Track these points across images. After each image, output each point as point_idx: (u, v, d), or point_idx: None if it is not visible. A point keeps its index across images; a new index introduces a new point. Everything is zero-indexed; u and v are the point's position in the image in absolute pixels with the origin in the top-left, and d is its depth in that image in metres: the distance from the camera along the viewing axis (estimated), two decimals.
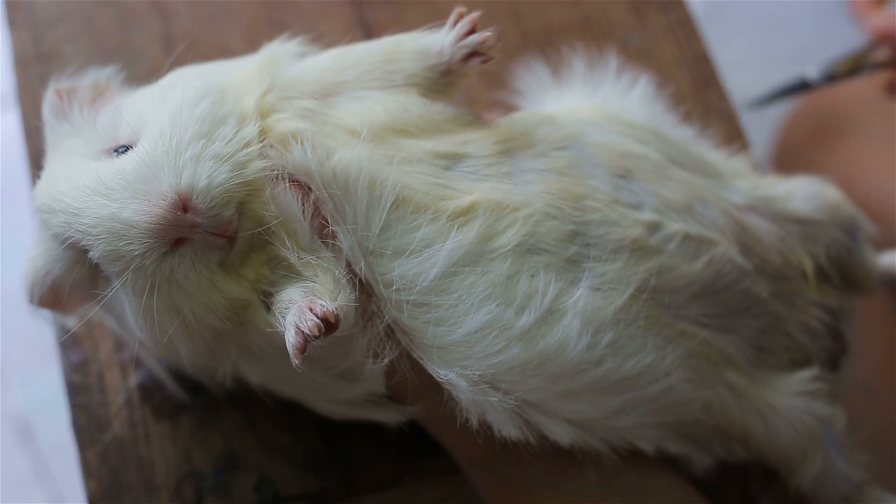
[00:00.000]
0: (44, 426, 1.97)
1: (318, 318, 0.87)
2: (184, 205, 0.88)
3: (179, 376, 1.12)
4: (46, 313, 1.04)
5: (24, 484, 1.94)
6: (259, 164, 0.93)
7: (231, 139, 0.92)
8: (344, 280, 0.92)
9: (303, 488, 1.12)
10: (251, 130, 0.94)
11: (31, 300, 1.00)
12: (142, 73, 1.02)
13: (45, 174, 0.98)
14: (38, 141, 1.05)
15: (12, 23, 1.31)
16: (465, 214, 0.93)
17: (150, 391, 1.14)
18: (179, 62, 1.04)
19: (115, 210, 0.89)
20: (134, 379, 1.15)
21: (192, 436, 1.13)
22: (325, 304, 0.88)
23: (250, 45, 1.05)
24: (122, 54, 1.29)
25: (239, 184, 0.91)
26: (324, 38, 1.06)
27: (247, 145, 0.93)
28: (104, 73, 1.06)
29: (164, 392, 1.13)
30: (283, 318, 0.89)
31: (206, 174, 0.89)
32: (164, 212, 0.87)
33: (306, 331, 0.86)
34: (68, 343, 1.17)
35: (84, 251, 0.92)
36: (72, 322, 1.12)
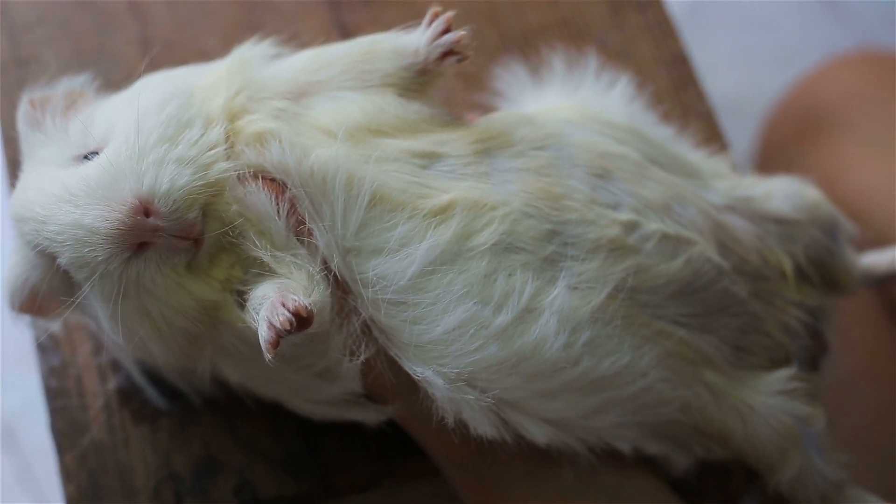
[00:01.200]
0: (27, 430, 1.97)
1: (289, 312, 0.87)
2: (145, 209, 0.89)
3: (157, 381, 1.12)
4: (29, 319, 1.05)
5: (7, 488, 1.94)
6: (223, 165, 0.93)
7: (196, 142, 0.93)
8: (318, 277, 0.93)
9: (282, 491, 1.11)
10: (217, 133, 0.94)
11: (13, 307, 1.00)
12: (120, 76, 1.02)
13: (20, 184, 0.99)
14: (16, 147, 1.05)
15: None
16: (442, 213, 0.93)
17: (128, 395, 1.14)
18: (156, 64, 1.04)
19: (78, 217, 0.89)
20: (113, 382, 1.15)
21: (171, 439, 1.13)
22: (297, 298, 0.88)
23: (228, 47, 1.05)
24: (99, 58, 1.29)
25: (202, 186, 0.91)
26: (300, 40, 1.06)
27: (212, 147, 0.93)
28: (78, 82, 1.06)
29: (143, 395, 1.13)
30: (257, 314, 0.89)
31: (167, 178, 0.90)
32: (125, 217, 0.88)
33: (278, 325, 0.86)
34: (47, 347, 1.16)
35: (58, 265, 0.92)
36: (54, 326, 1.12)
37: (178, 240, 0.91)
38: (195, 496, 1.11)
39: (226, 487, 1.11)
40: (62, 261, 0.91)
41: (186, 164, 0.91)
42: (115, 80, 1.06)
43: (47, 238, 0.91)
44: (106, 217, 0.88)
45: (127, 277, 0.90)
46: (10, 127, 1.06)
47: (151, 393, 1.13)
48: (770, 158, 1.60)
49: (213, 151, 0.93)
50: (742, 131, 1.55)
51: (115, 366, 1.14)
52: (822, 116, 1.56)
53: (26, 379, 1.86)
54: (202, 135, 0.94)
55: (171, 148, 0.92)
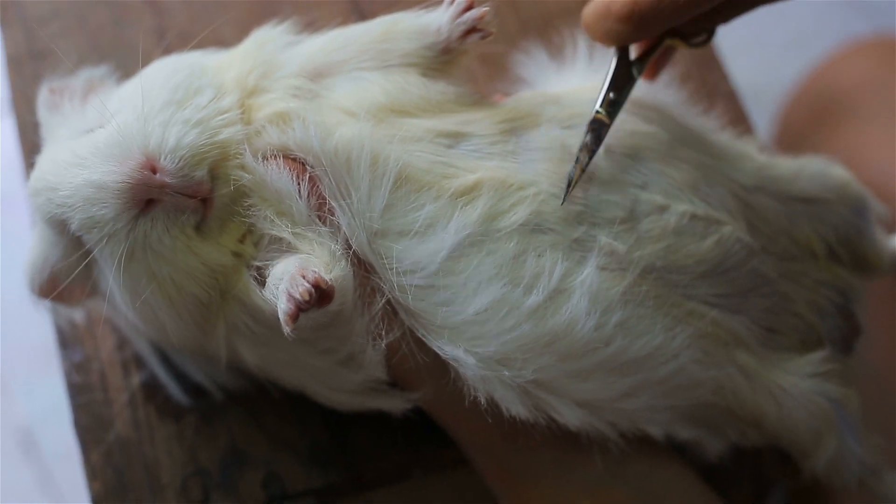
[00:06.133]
0: (46, 435, 1.97)
1: (309, 283, 0.86)
2: (152, 165, 0.89)
3: (180, 377, 1.12)
4: (49, 305, 1.05)
5: (27, 494, 1.94)
6: (235, 128, 0.93)
7: (205, 106, 0.94)
8: (340, 254, 0.92)
9: (310, 483, 1.11)
10: (230, 100, 0.95)
11: (33, 290, 1.01)
12: (136, 69, 1.02)
13: (37, 165, 0.99)
14: (33, 139, 1.05)
15: (4, 21, 1.30)
16: (468, 193, 0.92)
17: (153, 389, 1.13)
18: (171, 54, 1.04)
19: (87, 176, 0.90)
20: (137, 377, 1.14)
21: (197, 433, 1.12)
22: (317, 271, 0.87)
23: (244, 38, 1.05)
24: (116, 51, 1.28)
25: (210, 145, 0.92)
26: (317, 25, 1.05)
27: (222, 113, 0.94)
28: (98, 72, 1.07)
29: (168, 390, 1.12)
30: (277, 289, 0.89)
31: (173, 136, 0.90)
32: (132, 171, 0.89)
33: (297, 296, 0.86)
34: (69, 342, 1.16)
35: (71, 231, 0.93)
36: (76, 316, 1.12)
37: (185, 198, 0.91)
38: (223, 490, 1.10)
39: (254, 481, 1.10)
40: (74, 226, 0.92)
41: (194, 124, 0.92)
42: (131, 72, 1.06)
43: (59, 204, 0.92)
44: (114, 171, 0.89)
45: (134, 237, 0.90)
46: (29, 116, 1.05)
47: (174, 389, 1.12)
48: (788, 144, 1.59)
49: (223, 116, 0.94)
50: (759, 117, 1.54)
51: (139, 361, 1.14)
52: (839, 101, 1.55)
53: (46, 384, 1.86)
54: (212, 100, 0.94)
55: (178, 110, 0.93)
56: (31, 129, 1.06)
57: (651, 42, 1.02)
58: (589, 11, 0.97)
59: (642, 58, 1.01)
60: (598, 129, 0.97)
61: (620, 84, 0.99)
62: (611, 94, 0.98)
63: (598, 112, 0.97)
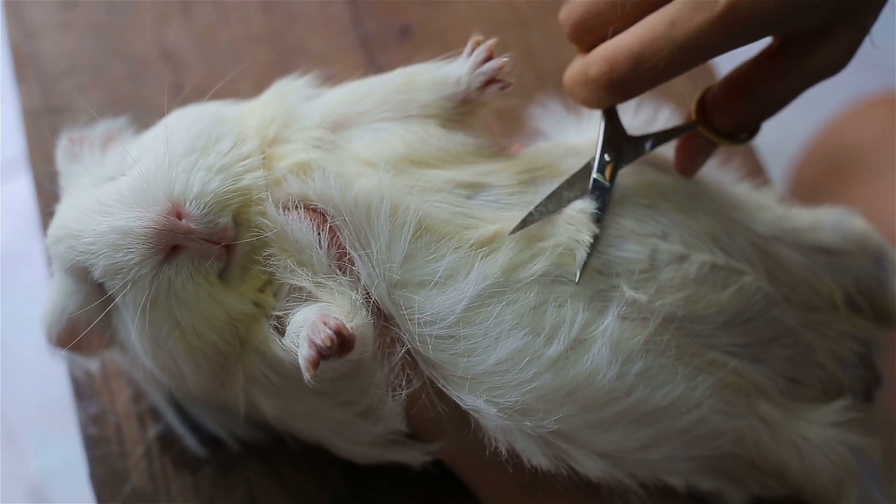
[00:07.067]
0: (58, 490, 1.96)
1: (331, 330, 0.86)
2: (177, 211, 0.89)
3: (196, 428, 1.11)
4: (65, 355, 1.04)
5: None
6: (256, 174, 0.94)
7: (227, 153, 0.94)
8: (360, 303, 0.92)
9: None
10: (250, 147, 0.95)
11: (50, 340, 1.00)
12: (153, 123, 1.02)
13: (56, 214, 0.99)
14: (50, 190, 1.05)
15: (21, 77, 1.31)
16: (488, 244, 0.92)
17: (169, 441, 1.13)
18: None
19: (112, 222, 0.90)
20: (153, 429, 1.13)
21: (214, 485, 1.11)
22: (338, 317, 0.87)
23: (261, 92, 1.05)
24: (132, 105, 1.29)
25: (233, 191, 0.92)
26: (335, 80, 1.05)
27: (244, 158, 0.94)
28: (116, 124, 1.08)
29: (184, 441, 1.12)
30: (298, 336, 0.89)
31: (198, 182, 0.91)
32: (158, 216, 0.89)
33: (319, 342, 0.85)
34: (85, 395, 1.15)
35: (93, 279, 0.93)
36: (92, 367, 1.11)
37: (210, 244, 0.91)
38: None
39: None
40: (96, 273, 0.91)
41: (217, 171, 0.92)
42: (148, 126, 1.06)
43: (81, 251, 0.92)
44: (139, 217, 0.89)
45: (158, 283, 0.90)
46: (45, 167, 1.05)
47: (190, 441, 1.11)
48: (802, 198, 1.58)
49: (245, 162, 0.94)
50: (774, 172, 1.54)
51: (155, 413, 1.13)
52: (852, 156, 1.55)
53: (56, 439, 1.85)
54: (233, 147, 0.95)
55: (200, 157, 0.93)
56: (47, 181, 1.06)
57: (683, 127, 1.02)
58: (568, 76, 0.97)
59: (661, 135, 1.01)
60: (600, 195, 0.97)
61: (615, 144, 0.99)
62: (606, 157, 0.98)
63: (595, 178, 0.97)
